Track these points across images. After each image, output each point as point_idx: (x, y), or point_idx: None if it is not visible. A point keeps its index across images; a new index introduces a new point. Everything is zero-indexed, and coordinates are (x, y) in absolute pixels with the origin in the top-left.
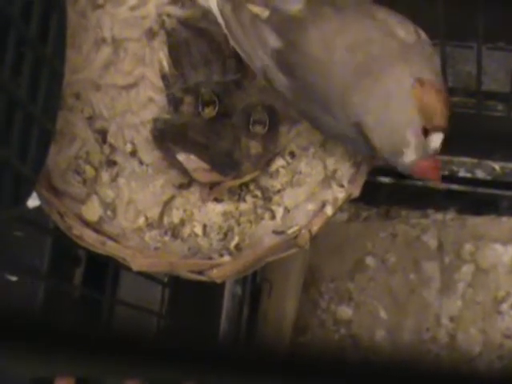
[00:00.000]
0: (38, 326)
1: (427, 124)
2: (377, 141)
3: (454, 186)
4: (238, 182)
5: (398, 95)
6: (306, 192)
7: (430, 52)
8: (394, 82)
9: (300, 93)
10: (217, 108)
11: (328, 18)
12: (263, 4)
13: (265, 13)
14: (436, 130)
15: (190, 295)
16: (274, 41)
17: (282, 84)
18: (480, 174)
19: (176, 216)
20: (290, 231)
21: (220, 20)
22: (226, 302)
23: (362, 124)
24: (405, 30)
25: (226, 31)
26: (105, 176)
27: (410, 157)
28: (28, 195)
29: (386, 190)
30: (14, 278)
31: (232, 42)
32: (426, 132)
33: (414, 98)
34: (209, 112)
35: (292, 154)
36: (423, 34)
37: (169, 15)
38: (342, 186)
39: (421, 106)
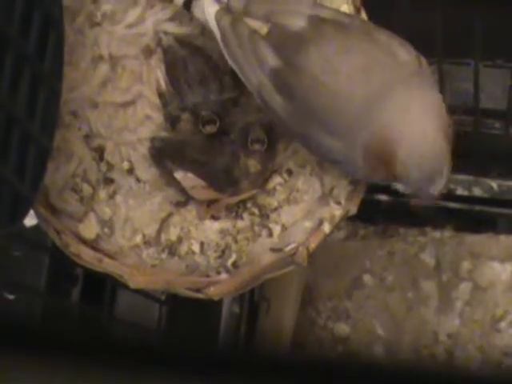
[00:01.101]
0: (38, 342)
1: None
2: (407, 166)
3: (452, 204)
4: (235, 199)
5: (418, 117)
6: (303, 209)
7: (430, 74)
8: (406, 104)
9: (297, 115)
10: (218, 124)
11: (329, 38)
12: (263, 19)
13: (264, 29)
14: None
15: (188, 313)
16: (272, 59)
17: (278, 104)
18: (477, 192)
19: (173, 233)
20: (287, 248)
21: (216, 32)
22: (224, 319)
23: (372, 144)
24: (407, 53)
25: (221, 45)
26: (102, 194)
27: (439, 186)
28: (25, 213)
29: (384, 207)
30: (11, 297)
31: (227, 57)
32: None
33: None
34: (210, 129)
35: (289, 172)
36: (423, 59)
37: (166, 33)
38: (339, 203)
39: (440, 126)
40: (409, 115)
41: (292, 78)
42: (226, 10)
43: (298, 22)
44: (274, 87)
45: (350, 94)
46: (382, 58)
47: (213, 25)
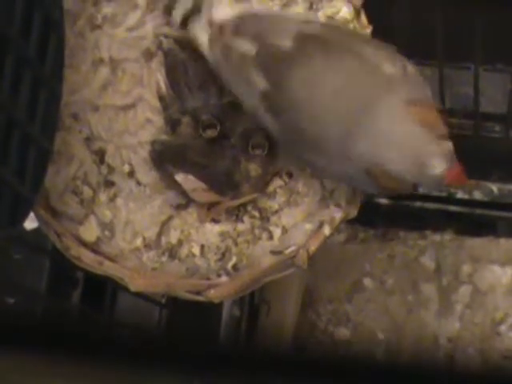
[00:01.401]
0: (38, 342)
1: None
2: (401, 174)
3: (452, 208)
4: (236, 202)
5: (400, 123)
6: (303, 212)
7: (417, 80)
8: (389, 115)
9: (288, 136)
10: (218, 128)
11: (313, 57)
12: (253, 39)
13: (253, 51)
14: (442, 139)
15: (188, 316)
16: (260, 82)
17: (271, 125)
18: (478, 196)
19: (174, 236)
20: (287, 251)
21: (210, 60)
22: (224, 322)
23: (373, 169)
24: (391, 65)
25: (216, 70)
26: (102, 196)
27: (440, 166)
28: (26, 215)
29: (384, 210)
30: (11, 300)
31: (224, 82)
32: None
33: (414, 117)
34: (211, 133)
35: (289, 175)
36: (410, 67)
37: (166, 36)
38: (339, 205)
39: (422, 122)
40: (394, 127)
41: (279, 100)
42: (218, 34)
43: (284, 42)
44: (266, 109)
45: (334, 113)
46: (364, 73)
47: (207, 53)
